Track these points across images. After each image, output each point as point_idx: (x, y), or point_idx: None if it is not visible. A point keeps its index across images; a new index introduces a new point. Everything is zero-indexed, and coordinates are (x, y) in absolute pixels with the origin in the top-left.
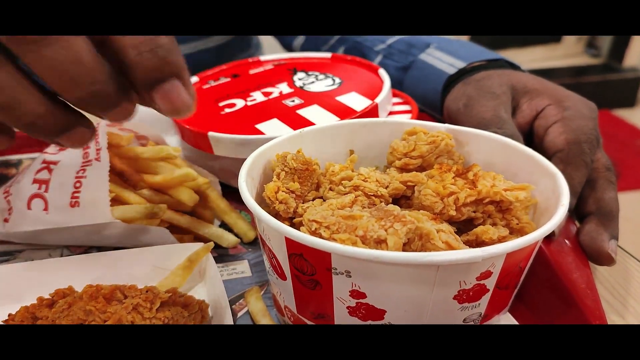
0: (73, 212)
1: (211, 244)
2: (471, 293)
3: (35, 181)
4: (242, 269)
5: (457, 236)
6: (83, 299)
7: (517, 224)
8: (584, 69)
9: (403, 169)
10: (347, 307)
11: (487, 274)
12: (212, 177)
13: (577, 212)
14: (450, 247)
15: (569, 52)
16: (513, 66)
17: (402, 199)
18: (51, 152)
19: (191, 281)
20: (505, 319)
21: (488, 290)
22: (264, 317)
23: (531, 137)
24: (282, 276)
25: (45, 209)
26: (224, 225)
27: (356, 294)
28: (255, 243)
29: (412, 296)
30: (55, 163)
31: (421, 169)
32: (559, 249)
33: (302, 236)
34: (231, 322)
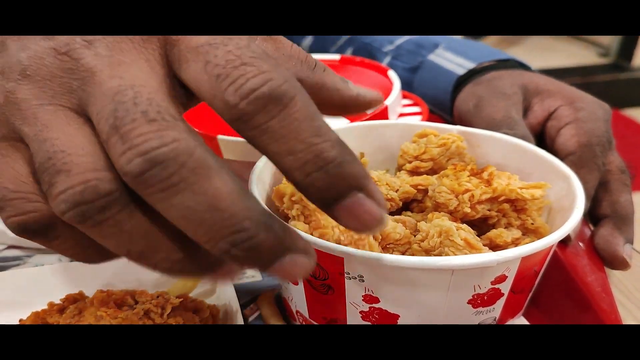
0: None
1: None
2: (486, 297)
3: None
4: (252, 272)
5: (477, 237)
6: (94, 304)
7: (532, 223)
8: (592, 69)
9: (414, 172)
10: (360, 312)
11: (501, 278)
12: None
13: (592, 215)
14: (469, 245)
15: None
16: (523, 66)
17: (414, 203)
18: None
19: (202, 286)
20: (519, 322)
21: (503, 294)
22: (276, 322)
23: (543, 138)
24: (294, 281)
25: None
26: None
27: (369, 298)
28: None
29: (426, 300)
30: None
31: (432, 172)
32: (573, 252)
33: (315, 240)
34: None
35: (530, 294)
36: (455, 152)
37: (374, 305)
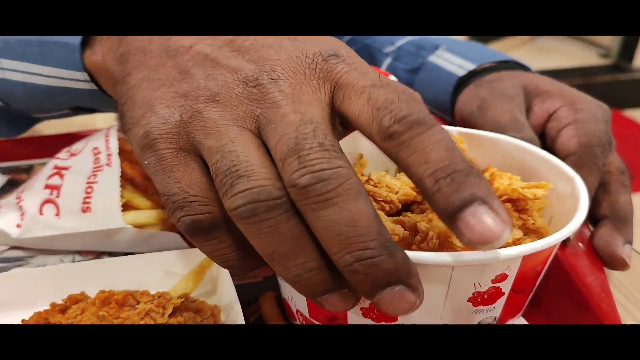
0: (85, 218)
1: None
2: (486, 296)
3: (46, 187)
4: (253, 273)
5: None
6: (96, 304)
7: (533, 224)
8: (593, 70)
9: None
10: (361, 309)
11: (502, 277)
12: None
13: (591, 215)
14: (467, 247)
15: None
16: (523, 67)
17: (414, 204)
18: (62, 157)
19: (203, 286)
20: (519, 322)
21: (503, 293)
22: (277, 322)
23: (543, 139)
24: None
25: (57, 214)
26: None
27: None
28: None
29: (427, 297)
30: (66, 168)
31: None
32: (573, 253)
33: None
34: None
35: (531, 295)
36: None
37: None
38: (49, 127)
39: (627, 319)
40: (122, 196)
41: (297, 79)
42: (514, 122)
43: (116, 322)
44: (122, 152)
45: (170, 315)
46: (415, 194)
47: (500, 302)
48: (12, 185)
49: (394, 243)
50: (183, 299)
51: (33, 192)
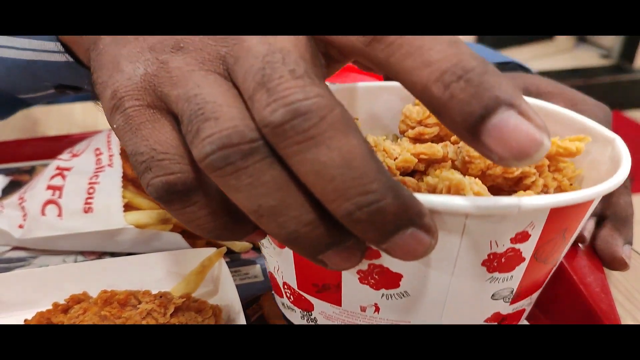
0: (87, 218)
1: (224, 249)
2: (503, 259)
3: (49, 187)
4: (254, 273)
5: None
6: (98, 304)
7: (570, 185)
8: (594, 70)
9: (417, 139)
10: (358, 272)
11: (524, 236)
12: None
13: (592, 216)
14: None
15: (561, 48)
16: (523, 69)
17: (417, 175)
18: (64, 158)
19: (204, 286)
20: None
21: (524, 259)
22: (279, 322)
23: None
24: (281, 244)
25: (60, 214)
26: None
27: (370, 252)
28: None
29: (435, 256)
30: (68, 169)
31: (438, 139)
32: (572, 253)
33: None
34: None
35: (554, 270)
36: None
37: (374, 261)
38: (50, 128)
39: (626, 319)
40: (123, 197)
41: None
42: None
43: (118, 321)
44: (124, 153)
45: (171, 315)
46: (416, 161)
47: (520, 270)
48: (15, 186)
49: (397, 182)
50: (184, 299)
51: (35, 193)
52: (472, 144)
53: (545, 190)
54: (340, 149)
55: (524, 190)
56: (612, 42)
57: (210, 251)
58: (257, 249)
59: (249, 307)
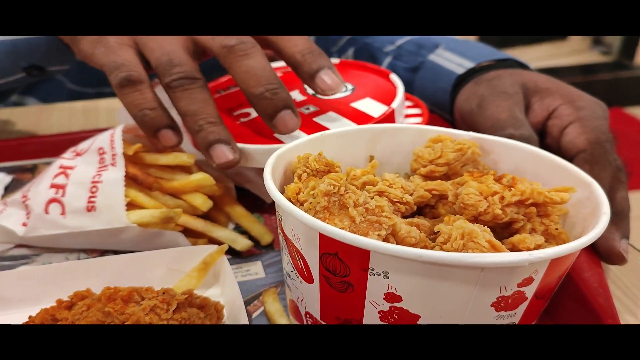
0: (90, 217)
1: (225, 246)
2: (510, 300)
3: (52, 186)
4: (255, 270)
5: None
6: (101, 300)
7: (556, 229)
8: (594, 67)
9: (428, 177)
10: (380, 312)
11: (528, 281)
12: (229, 183)
13: None
14: (493, 247)
15: (575, 49)
16: (522, 66)
17: (427, 208)
18: (68, 157)
19: (206, 283)
20: None
21: (526, 298)
22: (281, 318)
23: (543, 137)
24: (309, 279)
25: (63, 213)
26: (238, 228)
27: (391, 297)
28: (269, 245)
29: (451, 300)
30: (71, 168)
31: (446, 177)
32: None
33: (341, 233)
34: (246, 323)
35: (546, 304)
36: (470, 158)
37: (395, 304)
38: (51, 127)
39: (624, 314)
40: (126, 195)
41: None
42: (513, 119)
43: (121, 317)
44: (127, 155)
45: (174, 311)
46: (430, 196)
47: (522, 307)
48: (17, 184)
49: (282, 83)
50: (187, 295)
51: (39, 191)
52: (310, 84)
53: (532, 232)
54: (259, 62)
55: (513, 234)
56: (612, 38)
57: (212, 249)
58: (258, 246)
59: (250, 303)
